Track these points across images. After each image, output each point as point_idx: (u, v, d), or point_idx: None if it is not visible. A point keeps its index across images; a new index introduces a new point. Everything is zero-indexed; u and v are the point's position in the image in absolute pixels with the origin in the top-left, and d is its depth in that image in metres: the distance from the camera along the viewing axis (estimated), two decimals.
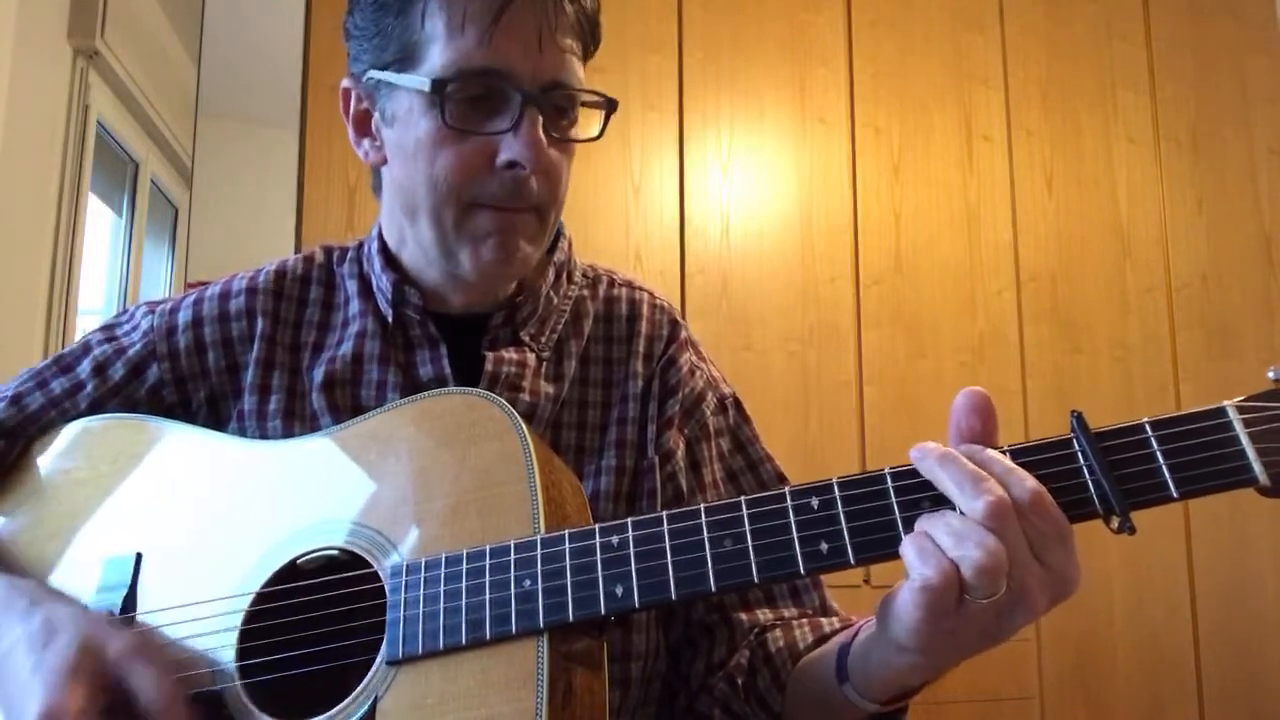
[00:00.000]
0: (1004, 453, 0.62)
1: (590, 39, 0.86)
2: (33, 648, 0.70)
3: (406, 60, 0.81)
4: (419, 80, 0.80)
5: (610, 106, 0.87)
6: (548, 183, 0.83)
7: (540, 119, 0.80)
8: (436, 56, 0.80)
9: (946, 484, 0.60)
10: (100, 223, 2.67)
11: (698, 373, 0.96)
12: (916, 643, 0.61)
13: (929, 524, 0.60)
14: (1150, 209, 2.82)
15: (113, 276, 2.75)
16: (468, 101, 0.80)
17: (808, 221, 2.65)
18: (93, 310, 2.57)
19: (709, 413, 0.95)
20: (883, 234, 2.68)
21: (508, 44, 0.79)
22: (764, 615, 0.89)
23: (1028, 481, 0.59)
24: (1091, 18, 2.86)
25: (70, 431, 0.90)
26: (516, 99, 0.79)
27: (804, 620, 0.87)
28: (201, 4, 2.58)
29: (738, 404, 0.99)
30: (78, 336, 2.26)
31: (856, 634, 0.72)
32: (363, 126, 0.89)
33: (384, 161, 0.88)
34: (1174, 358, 2.75)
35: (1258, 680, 2.63)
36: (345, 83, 0.89)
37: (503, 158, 0.80)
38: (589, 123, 0.87)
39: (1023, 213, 2.75)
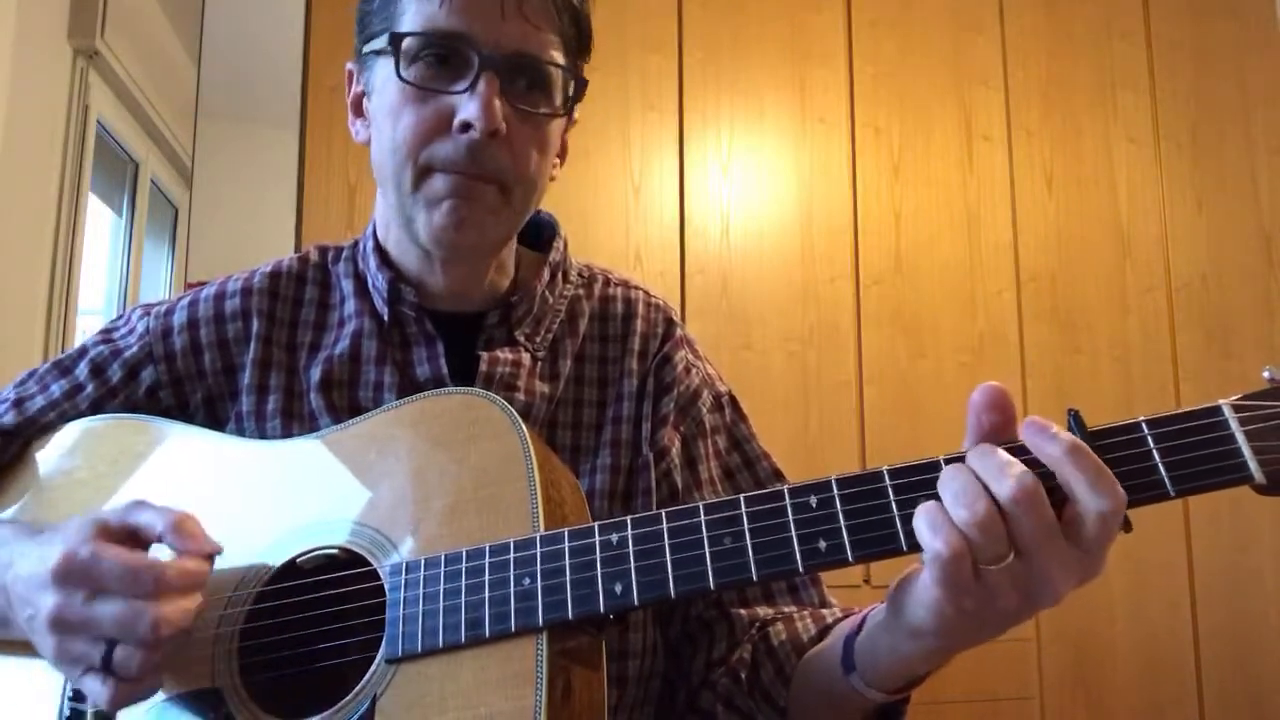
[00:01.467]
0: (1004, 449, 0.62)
1: (569, 25, 0.85)
2: (41, 543, 0.72)
3: (386, 31, 0.83)
4: (383, 40, 0.82)
5: (579, 85, 0.86)
6: (510, 154, 0.82)
7: (498, 83, 0.80)
8: (406, 18, 0.81)
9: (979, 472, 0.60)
10: (100, 223, 2.68)
11: (694, 370, 0.97)
12: (936, 624, 0.61)
13: (941, 485, 0.60)
14: (1150, 209, 2.82)
15: (113, 276, 2.76)
16: (428, 62, 0.81)
17: (808, 221, 2.65)
18: (93, 310, 2.57)
19: (705, 410, 0.95)
20: (883, 234, 2.68)
21: (469, 7, 0.80)
22: (763, 611, 0.89)
23: (1089, 459, 0.59)
24: (1091, 18, 2.86)
25: (70, 432, 0.90)
26: (475, 61, 0.80)
27: (806, 612, 0.87)
28: (201, 4, 2.58)
29: (734, 401, 0.99)
30: (78, 337, 2.27)
31: (862, 623, 0.72)
32: (357, 107, 0.91)
33: (370, 139, 0.89)
34: (1174, 358, 2.75)
35: (1258, 680, 2.63)
36: (349, 65, 0.92)
37: (458, 119, 0.80)
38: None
39: (1023, 213, 2.75)
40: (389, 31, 0.82)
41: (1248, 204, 2.85)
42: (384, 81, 0.84)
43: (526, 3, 0.81)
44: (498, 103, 0.80)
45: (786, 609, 0.89)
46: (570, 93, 0.86)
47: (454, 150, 0.81)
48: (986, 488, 0.58)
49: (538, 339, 0.92)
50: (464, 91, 0.80)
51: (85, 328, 2.41)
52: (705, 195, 2.62)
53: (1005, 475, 0.58)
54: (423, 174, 0.83)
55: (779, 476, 0.96)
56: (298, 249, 2.37)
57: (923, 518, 0.59)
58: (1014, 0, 2.83)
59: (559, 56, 0.84)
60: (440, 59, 0.81)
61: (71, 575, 0.68)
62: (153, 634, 0.67)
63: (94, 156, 2.47)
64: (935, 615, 0.60)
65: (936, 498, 0.61)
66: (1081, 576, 0.60)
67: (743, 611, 0.89)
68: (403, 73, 0.81)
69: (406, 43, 0.81)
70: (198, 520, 0.73)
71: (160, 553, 0.72)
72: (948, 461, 0.62)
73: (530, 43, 0.82)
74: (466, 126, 0.80)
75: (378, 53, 0.85)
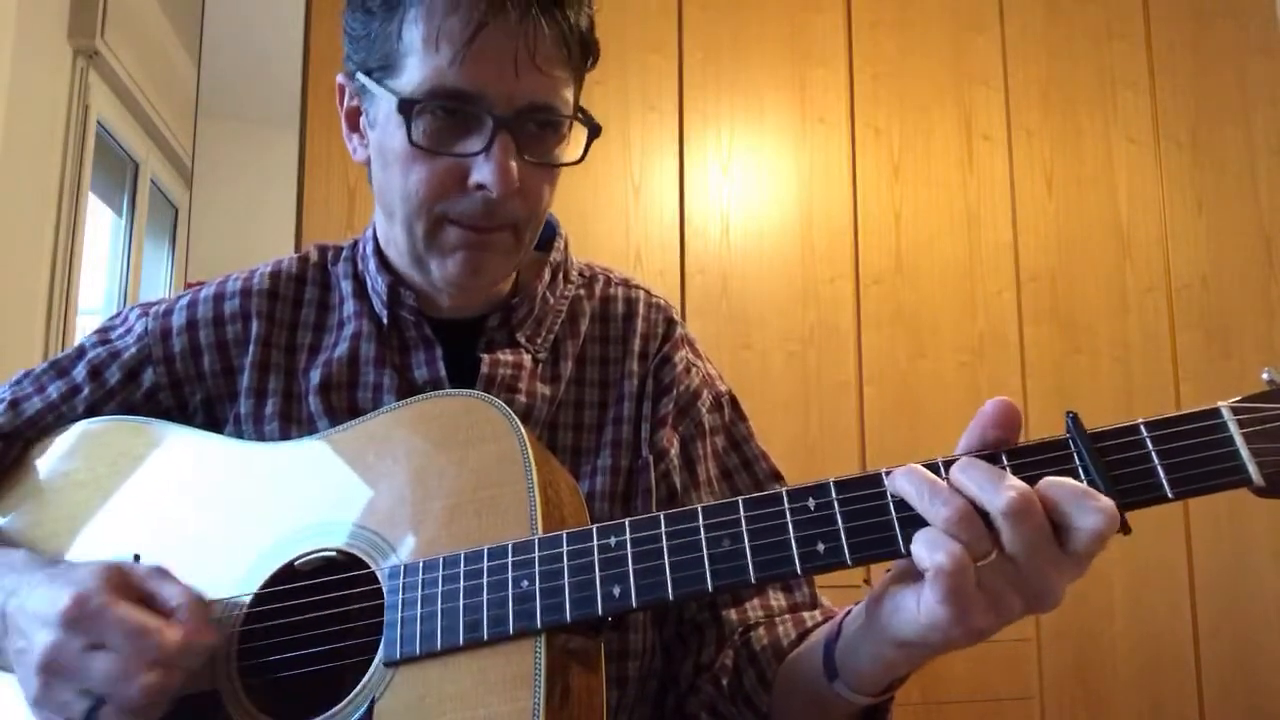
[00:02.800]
0: (1000, 454, 0.62)
1: (581, 56, 0.83)
2: (53, 580, 0.71)
3: (387, 68, 0.80)
4: (390, 96, 0.79)
5: (593, 131, 0.84)
6: (524, 203, 0.82)
7: (513, 144, 0.78)
8: (412, 71, 0.78)
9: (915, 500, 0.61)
10: (100, 223, 2.67)
11: (693, 370, 0.96)
12: (938, 639, 0.61)
13: (909, 495, 0.61)
14: (1150, 209, 2.82)
15: (113, 276, 2.76)
16: (439, 120, 0.79)
17: (808, 221, 2.65)
18: (93, 310, 2.57)
19: (704, 410, 0.95)
20: (883, 234, 2.68)
21: (481, 66, 0.76)
22: (753, 611, 0.89)
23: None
24: (1091, 18, 2.86)
25: (69, 434, 0.90)
26: (489, 123, 0.78)
27: (787, 616, 0.87)
28: (201, 4, 2.58)
29: (733, 401, 0.99)
30: (78, 337, 2.27)
31: (840, 629, 0.72)
32: (353, 122, 0.89)
33: (369, 160, 0.88)
34: (1174, 358, 2.75)
35: (1258, 680, 2.63)
36: (340, 78, 0.89)
37: (473, 180, 0.79)
38: (580, 138, 0.86)
39: (1023, 213, 2.75)
40: (397, 96, 0.78)
41: (1248, 204, 2.85)
42: (388, 121, 0.81)
43: (539, 53, 0.78)
44: (514, 165, 0.78)
45: (776, 604, 0.89)
46: (586, 141, 0.85)
47: (469, 206, 0.80)
48: (962, 492, 0.59)
49: (539, 340, 0.92)
50: (478, 153, 0.78)
51: (85, 328, 2.40)
52: (705, 195, 2.62)
53: (1000, 489, 0.58)
54: (436, 224, 0.82)
55: (777, 477, 0.96)
56: (298, 249, 2.37)
57: (920, 541, 0.59)
58: (1014, 0, 2.82)
59: (569, 96, 0.83)
60: (450, 112, 0.78)
61: (78, 621, 0.67)
62: (142, 698, 0.67)
63: (94, 156, 2.46)
64: (938, 631, 0.60)
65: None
66: (1074, 576, 0.60)
67: (733, 613, 0.88)
68: (414, 138, 0.78)
69: (417, 106, 0.78)
70: (214, 607, 0.73)
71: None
72: (945, 464, 0.62)
73: (542, 93, 0.79)
74: (482, 187, 0.79)
75: (381, 97, 0.81)
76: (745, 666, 0.84)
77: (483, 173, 0.78)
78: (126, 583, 0.71)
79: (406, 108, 0.78)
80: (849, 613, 0.72)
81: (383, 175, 0.84)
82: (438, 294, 0.90)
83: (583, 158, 0.85)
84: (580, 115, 0.84)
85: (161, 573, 0.74)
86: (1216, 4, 2.92)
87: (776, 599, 0.90)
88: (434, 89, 0.77)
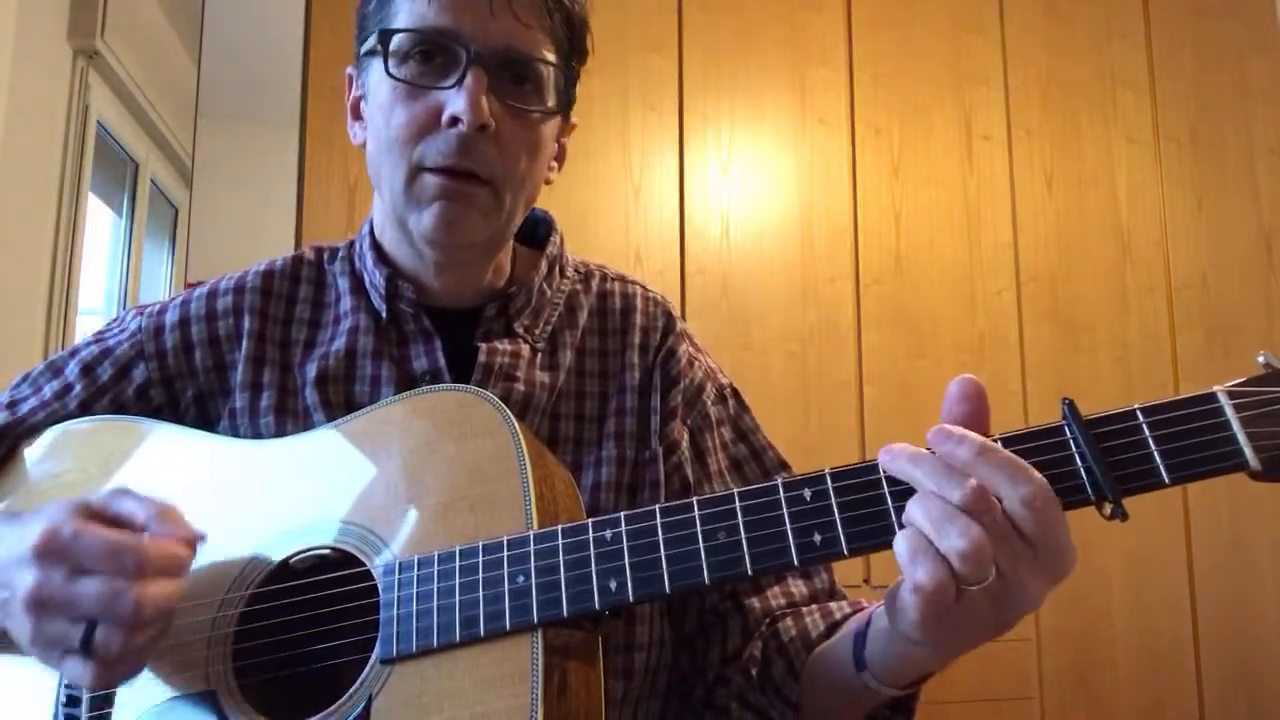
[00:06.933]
0: (994, 440, 0.62)
1: (561, 26, 0.85)
2: (19, 523, 0.70)
3: (378, 31, 0.84)
4: (374, 39, 0.83)
5: (569, 78, 0.87)
6: (499, 152, 0.82)
7: (485, 79, 0.81)
8: (397, 21, 0.82)
9: (923, 483, 0.60)
10: (100, 223, 2.67)
11: (696, 364, 0.97)
12: (923, 637, 0.61)
13: (913, 511, 0.60)
14: (1150, 209, 2.81)
15: (113, 276, 2.75)
16: (417, 60, 0.82)
17: (808, 221, 2.65)
18: (93, 310, 2.57)
19: (710, 403, 0.96)
20: (883, 234, 2.68)
21: (458, 4, 0.80)
22: (775, 599, 0.89)
23: (999, 455, 0.59)
24: (1091, 18, 2.86)
25: (58, 434, 0.90)
26: (462, 57, 0.80)
27: (814, 607, 0.87)
28: (201, 4, 2.58)
29: (736, 393, 1.00)
30: (77, 337, 2.27)
31: (869, 621, 0.73)
32: (356, 111, 0.92)
33: (367, 142, 0.90)
34: (1174, 358, 2.75)
35: (1257, 679, 2.62)
36: (348, 69, 0.92)
37: (446, 113, 0.80)
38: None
39: (1023, 213, 2.75)
40: (379, 30, 0.83)
41: (1248, 204, 2.85)
42: (377, 81, 0.85)
43: (516, 1, 0.81)
44: (485, 98, 0.80)
45: (798, 592, 0.90)
46: (563, 90, 0.86)
47: (445, 144, 0.81)
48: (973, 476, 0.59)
49: (536, 331, 0.92)
50: (452, 87, 0.80)
51: (85, 327, 2.41)
52: (705, 195, 2.62)
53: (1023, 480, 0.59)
54: (414, 174, 0.83)
55: (785, 467, 0.97)
56: (297, 249, 2.37)
57: (903, 545, 0.59)
58: (1014, 0, 2.82)
59: (549, 55, 0.84)
60: (429, 55, 0.82)
61: (53, 552, 0.66)
62: (134, 613, 0.65)
63: (94, 156, 2.46)
64: (920, 631, 0.61)
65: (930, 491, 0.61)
66: (1050, 574, 0.60)
67: (755, 601, 0.89)
68: (391, 69, 0.82)
69: (395, 40, 0.81)
70: (180, 511, 0.72)
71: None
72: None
73: (519, 40, 0.82)
74: (455, 121, 0.80)
75: (371, 53, 0.85)
76: (774, 657, 0.85)
77: (454, 104, 0.80)
78: (91, 509, 0.70)
79: (385, 37, 0.82)
80: (878, 606, 0.72)
81: (372, 140, 0.87)
82: (429, 276, 0.91)
83: (564, 112, 0.89)
84: (549, 61, 0.85)
85: (124, 492, 0.72)
86: (1216, 4, 2.92)
87: (796, 586, 0.90)
88: (412, 26, 0.81)
